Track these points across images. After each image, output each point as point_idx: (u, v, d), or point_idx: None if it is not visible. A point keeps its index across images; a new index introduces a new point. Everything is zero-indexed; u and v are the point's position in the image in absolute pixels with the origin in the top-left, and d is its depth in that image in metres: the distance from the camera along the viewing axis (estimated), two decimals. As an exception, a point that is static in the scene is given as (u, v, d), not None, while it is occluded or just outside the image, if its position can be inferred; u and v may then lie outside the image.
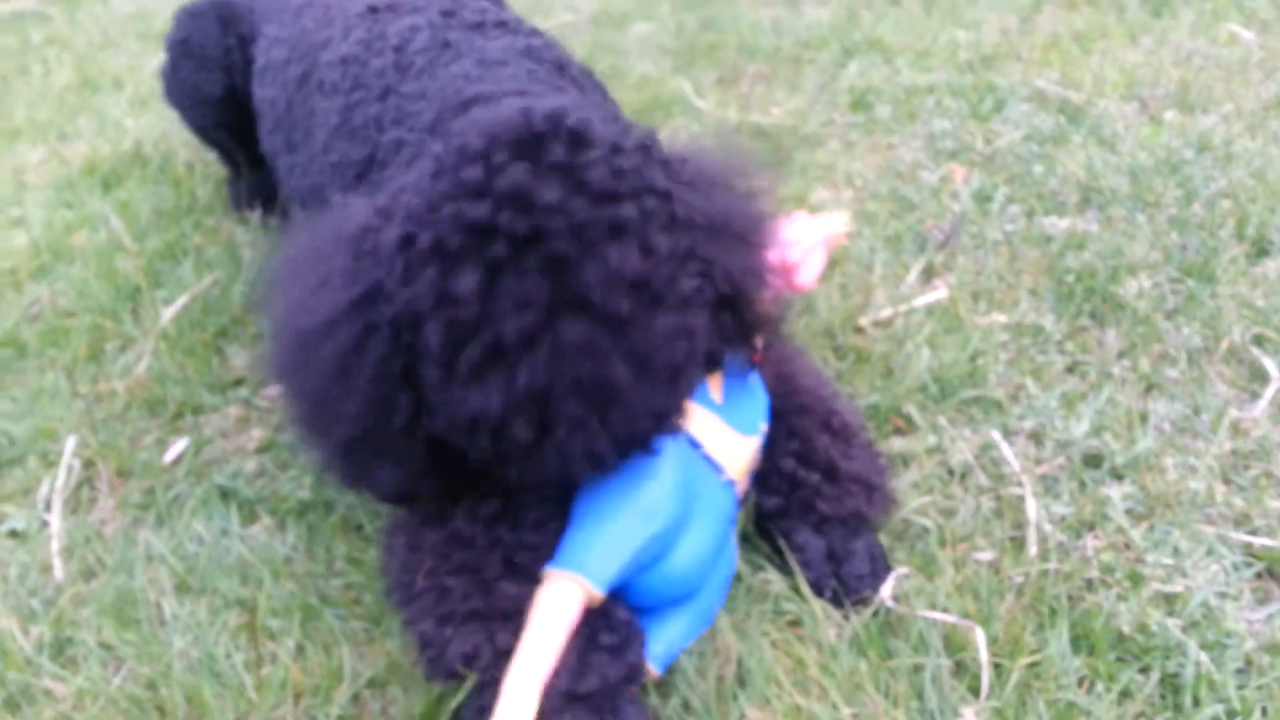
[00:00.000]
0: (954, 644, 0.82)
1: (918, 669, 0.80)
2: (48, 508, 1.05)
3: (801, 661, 0.81)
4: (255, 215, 1.47)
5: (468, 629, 0.76)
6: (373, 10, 1.11)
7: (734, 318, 0.81)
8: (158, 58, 2.24)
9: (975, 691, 0.79)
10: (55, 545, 1.00)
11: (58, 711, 0.82)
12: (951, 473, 1.01)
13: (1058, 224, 1.42)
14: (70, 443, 1.10)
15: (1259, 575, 0.91)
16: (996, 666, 0.80)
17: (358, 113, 1.05)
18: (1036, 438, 1.05)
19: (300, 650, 0.86)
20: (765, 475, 0.93)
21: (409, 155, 0.92)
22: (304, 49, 1.16)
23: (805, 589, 0.86)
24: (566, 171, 0.69)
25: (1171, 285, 1.27)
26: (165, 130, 1.85)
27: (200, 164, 1.68)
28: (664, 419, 0.73)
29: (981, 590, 0.86)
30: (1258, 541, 0.93)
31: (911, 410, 1.08)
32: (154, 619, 0.90)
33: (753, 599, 0.88)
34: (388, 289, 0.71)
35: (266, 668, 0.83)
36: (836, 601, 0.87)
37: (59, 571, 0.97)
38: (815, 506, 0.91)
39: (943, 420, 1.06)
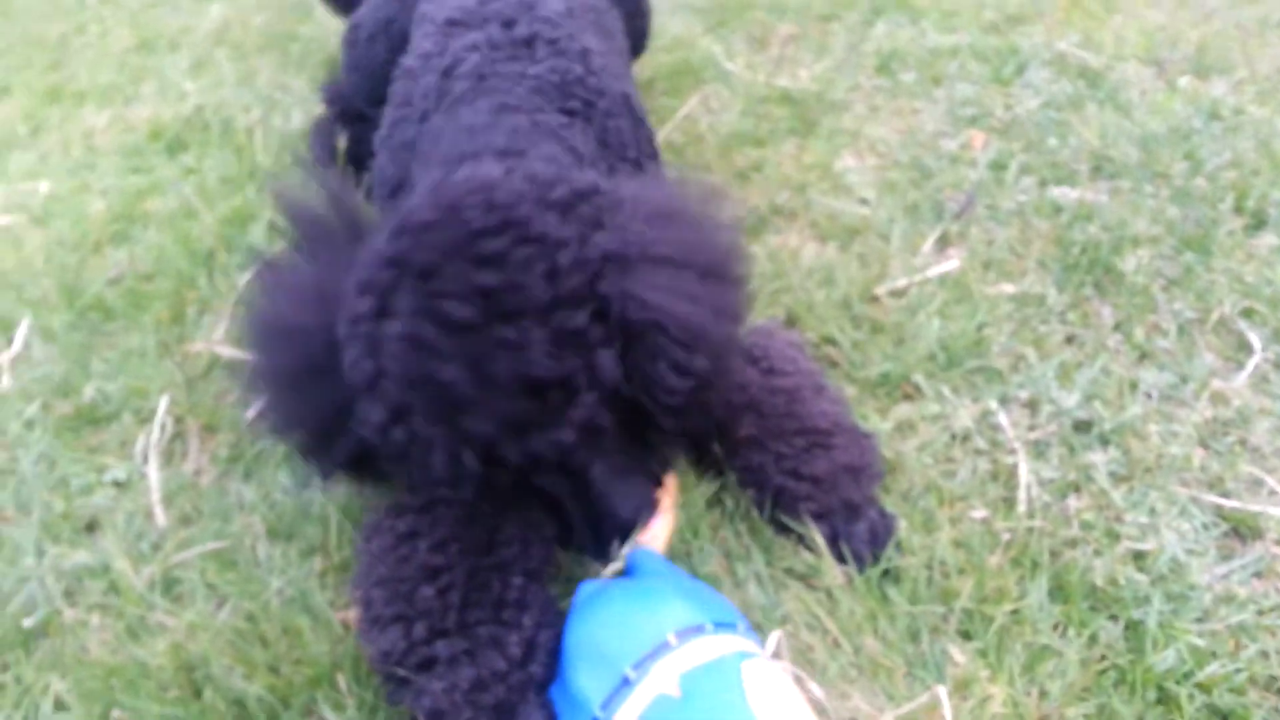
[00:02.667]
0: (947, 592, 0.94)
1: (913, 615, 0.92)
2: (145, 460, 1.18)
3: (810, 607, 0.93)
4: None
5: (390, 630, 0.86)
6: (450, 23, 1.19)
7: (648, 355, 0.83)
8: (210, 17, 2.33)
9: (964, 634, 0.91)
10: (155, 494, 1.13)
11: (171, 642, 0.96)
12: (954, 437, 1.12)
13: (1069, 194, 1.50)
14: (164, 401, 1.23)
15: (1225, 534, 1.02)
16: (982, 613, 0.91)
17: (399, 131, 1.14)
18: (1032, 405, 1.15)
19: (377, 590, 0.99)
20: (761, 483, 1.02)
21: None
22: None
23: (818, 540, 0.97)
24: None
25: (1170, 258, 1.35)
26: (224, 95, 1.95)
27: (260, 130, 1.79)
28: (521, 430, 0.78)
29: (974, 544, 0.98)
30: (1228, 504, 1.03)
31: (919, 379, 1.18)
32: (250, 561, 1.03)
33: (772, 555, 0.99)
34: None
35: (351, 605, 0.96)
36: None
37: (161, 518, 1.10)
38: (810, 506, 0.99)
39: (947, 390, 1.16)
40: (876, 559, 0.96)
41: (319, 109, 1.77)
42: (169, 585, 1.03)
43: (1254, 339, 1.21)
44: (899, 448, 1.10)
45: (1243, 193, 1.44)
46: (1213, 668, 0.86)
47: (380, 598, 0.87)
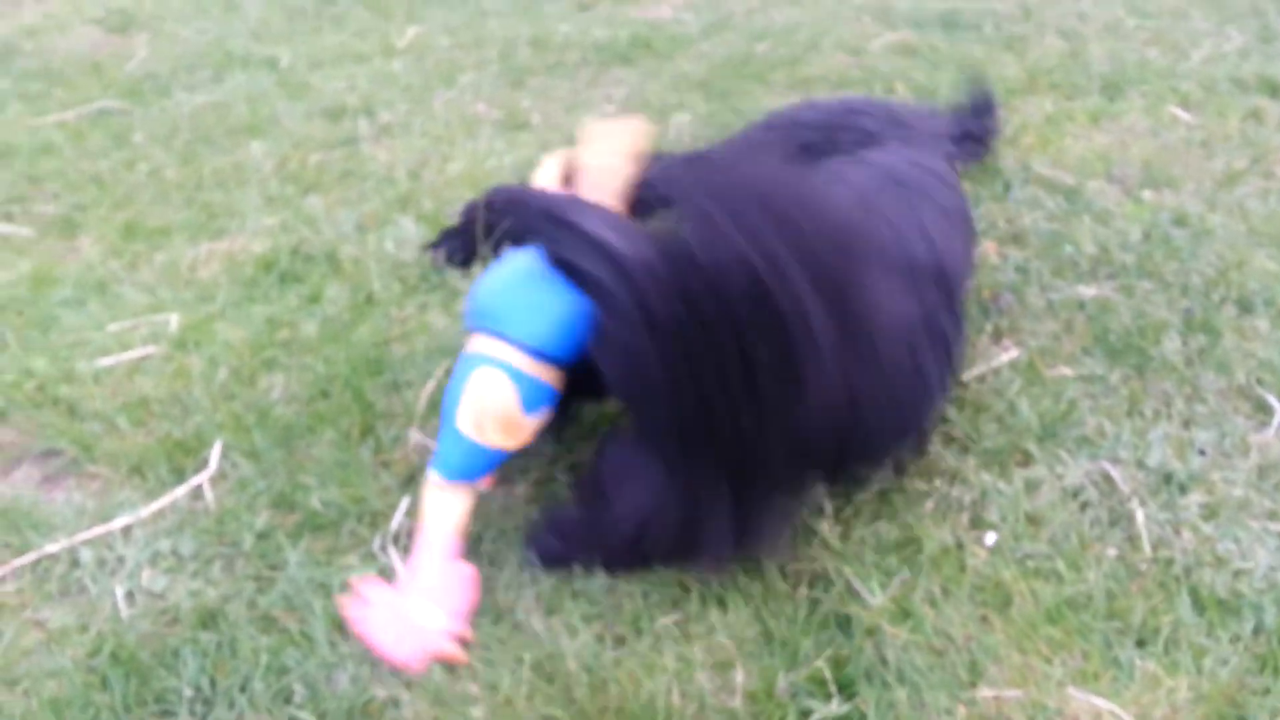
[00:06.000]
0: (1115, 611, 1.19)
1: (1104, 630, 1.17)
2: (385, 554, 1.34)
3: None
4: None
5: None
6: None
7: None
8: (254, 154, 2.50)
9: (1139, 644, 1.16)
10: (411, 587, 1.29)
11: (488, 706, 1.12)
12: (1068, 493, 1.39)
13: (1087, 291, 1.82)
14: (403, 503, 1.40)
15: (1293, 554, 1.30)
16: (1149, 625, 1.17)
17: None
18: (1124, 462, 1.43)
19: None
20: None
21: None
22: None
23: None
24: None
25: (1186, 340, 1.68)
26: (312, 228, 2.12)
27: (370, 261, 1.97)
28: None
29: (1120, 575, 1.24)
30: (1288, 530, 1.33)
31: (1030, 447, 1.45)
32: (527, 627, 1.21)
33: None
34: None
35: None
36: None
37: (426, 606, 1.26)
38: None
39: (1061, 452, 1.44)
40: None
41: (412, 237, 1.99)
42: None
43: (1272, 400, 1.53)
44: (1030, 505, 1.36)
45: (1228, 284, 1.79)
46: (1330, 650, 1.13)
47: None
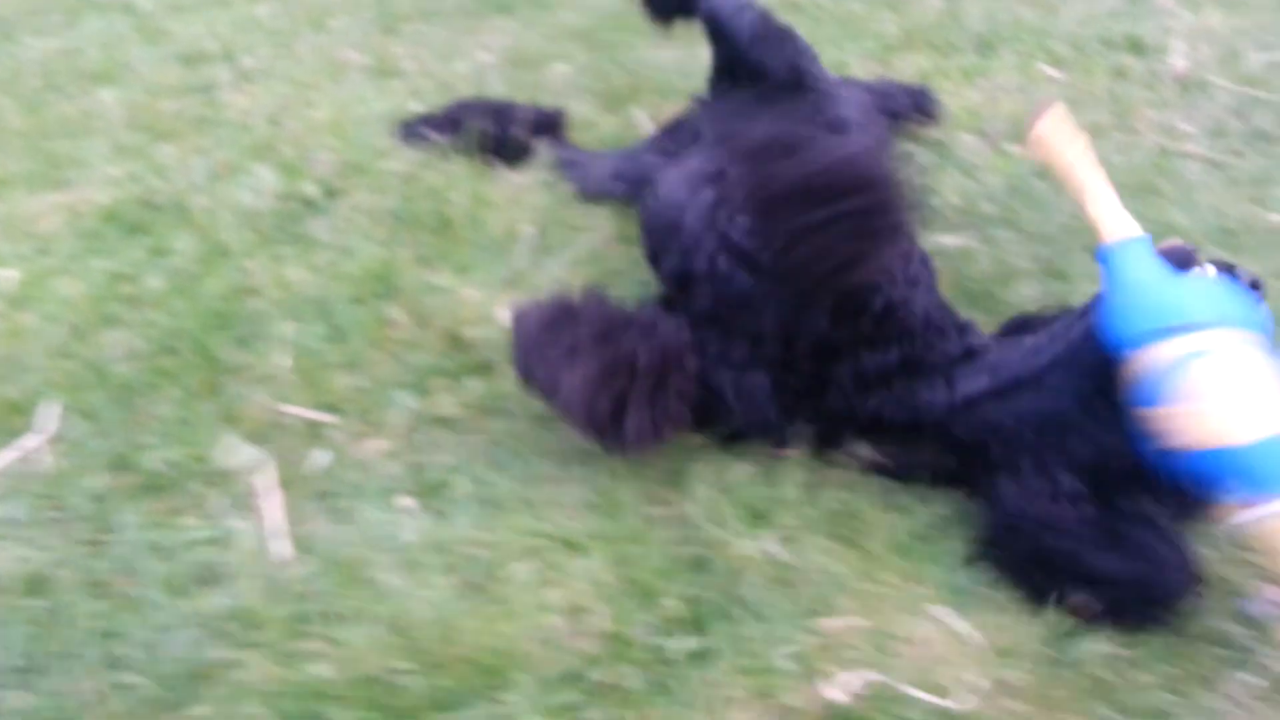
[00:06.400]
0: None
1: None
2: (231, 516, 1.28)
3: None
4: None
5: None
6: None
7: None
8: (105, 102, 2.36)
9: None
10: (276, 532, 1.24)
11: (338, 658, 1.08)
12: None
13: (953, 241, 1.85)
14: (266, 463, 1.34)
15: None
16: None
17: None
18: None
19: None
20: None
21: None
22: None
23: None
24: None
25: (1040, 285, 1.72)
26: (161, 178, 2.01)
27: (223, 211, 1.88)
28: None
29: (970, 508, 1.27)
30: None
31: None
32: (375, 582, 1.17)
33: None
34: None
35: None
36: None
37: (286, 552, 1.22)
38: None
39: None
40: None
41: (270, 186, 1.91)
42: (308, 616, 1.15)
43: (1119, 344, 1.58)
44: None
45: (1085, 233, 1.84)
46: None
47: None
